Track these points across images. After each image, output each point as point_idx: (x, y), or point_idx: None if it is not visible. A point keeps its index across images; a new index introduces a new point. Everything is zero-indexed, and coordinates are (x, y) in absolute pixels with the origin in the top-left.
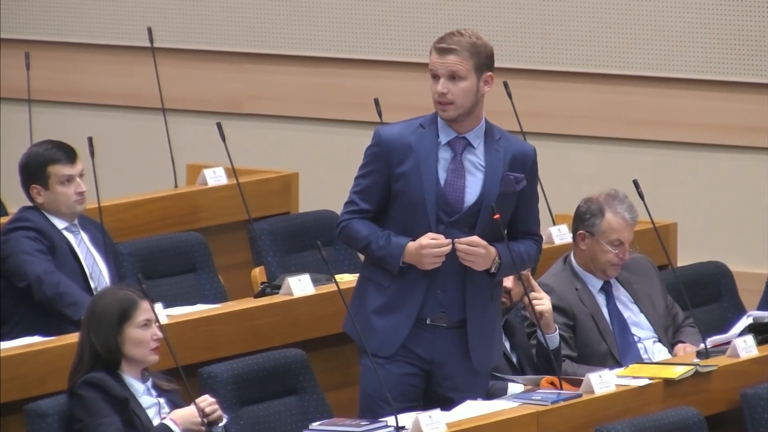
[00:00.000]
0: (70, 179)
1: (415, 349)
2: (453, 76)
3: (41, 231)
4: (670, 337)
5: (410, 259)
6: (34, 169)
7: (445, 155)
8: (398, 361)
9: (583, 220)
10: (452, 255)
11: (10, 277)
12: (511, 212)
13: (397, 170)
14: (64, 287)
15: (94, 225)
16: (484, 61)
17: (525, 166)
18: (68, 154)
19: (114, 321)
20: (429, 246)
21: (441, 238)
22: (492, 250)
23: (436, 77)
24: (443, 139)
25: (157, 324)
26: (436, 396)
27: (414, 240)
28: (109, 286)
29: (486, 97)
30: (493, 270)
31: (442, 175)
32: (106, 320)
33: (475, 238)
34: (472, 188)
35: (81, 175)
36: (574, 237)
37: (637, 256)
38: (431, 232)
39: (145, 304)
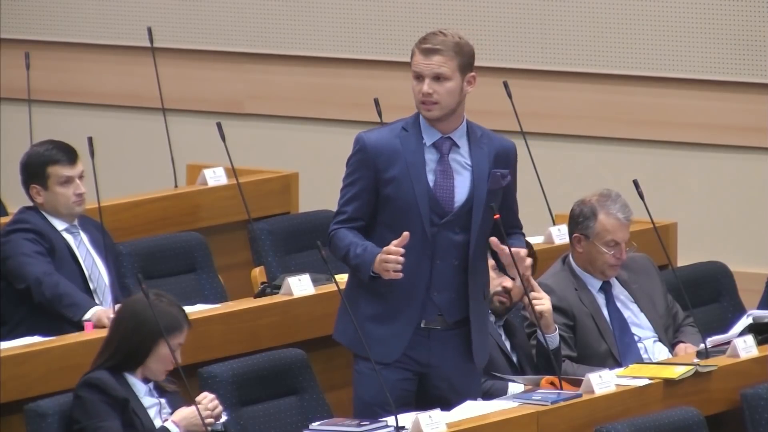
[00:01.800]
0: (69, 180)
1: (410, 353)
2: (438, 77)
3: (40, 233)
4: (670, 337)
5: (377, 269)
6: (34, 169)
7: (431, 156)
8: (394, 366)
9: (577, 223)
10: (447, 256)
11: (10, 278)
12: (498, 209)
13: (385, 175)
14: (63, 288)
15: (94, 225)
16: (467, 60)
17: (508, 161)
18: (69, 155)
19: (158, 332)
20: (389, 252)
21: (392, 248)
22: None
23: (420, 78)
24: (428, 140)
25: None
26: (432, 399)
27: (409, 251)
28: (157, 295)
29: (486, 97)
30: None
31: (430, 177)
32: (149, 328)
33: (523, 252)
34: (461, 188)
35: (81, 177)
36: (570, 240)
37: (637, 256)
38: (426, 234)
39: (186, 330)
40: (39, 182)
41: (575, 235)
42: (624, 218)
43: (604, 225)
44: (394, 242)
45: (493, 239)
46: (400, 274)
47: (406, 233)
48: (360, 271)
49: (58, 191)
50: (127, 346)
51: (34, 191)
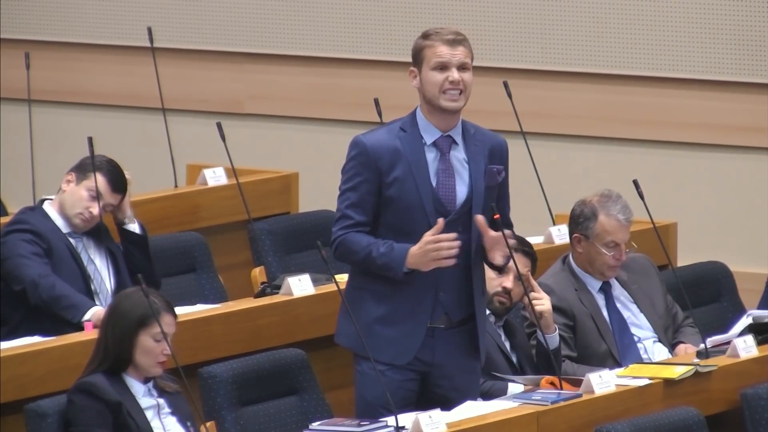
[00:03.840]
0: (93, 197)
1: (416, 353)
2: (463, 67)
3: (38, 233)
4: (670, 337)
5: (413, 262)
6: (83, 166)
7: (431, 155)
8: (399, 367)
9: (578, 223)
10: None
11: (7, 280)
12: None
13: (388, 177)
14: (60, 290)
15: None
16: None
17: (502, 157)
18: (120, 183)
19: (133, 323)
20: (434, 241)
21: (442, 236)
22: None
23: (444, 68)
24: (428, 139)
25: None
26: (434, 397)
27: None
28: (140, 288)
29: (486, 97)
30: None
31: (433, 177)
32: (126, 321)
33: (494, 234)
34: (461, 186)
35: (107, 207)
36: (570, 240)
37: (637, 256)
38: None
39: (167, 318)
40: (78, 175)
41: (575, 235)
42: (624, 219)
43: (604, 226)
44: (430, 231)
45: (479, 217)
46: (454, 261)
47: (441, 219)
48: (390, 269)
49: (78, 193)
50: (113, 345)
51: (68, 177)
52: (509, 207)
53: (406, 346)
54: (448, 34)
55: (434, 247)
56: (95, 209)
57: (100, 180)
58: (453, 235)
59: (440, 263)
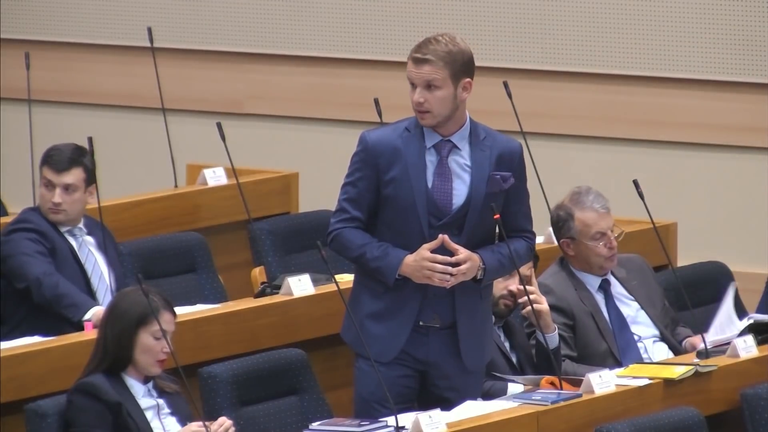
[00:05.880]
0: (50, 185)
1: (409, 351)
2: (429, 86)
3: (42, 233)
4: (670, 334)
5: (407, 271)
6: (40, 163)
7: (432, 158)
8: (393, 363)
9: (559, 228)
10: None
11: (10, 278)
12: (501, 210)
13: (386, 176)
14: (63, 289)
15: (98, 226)
16: (460, 68)
17: (512, 163)
18: (59, 163)
19: (132, 322)
20: (429, 260)
21: (439, 257)
22: (476, 257)
23: (413, 85)
24: (429, 142)
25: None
26: (433, 397)
27: (411, 252)
28: (139, 287)
29: (486, 97)
30: (479, 277)
31: (429, 179)
32: (125, 319)
33: (461, 256)
34: (460, 190)
35: (67, 188)
36: (560, 246)
37: (631, 256)
38: (424, 236)
39: (166, 316)
40: (41, 176)
41: (562, 240)
42: (600, 207)
43: (583, 221)
44: (427, 246)
45: (444, 236)
46: (448, 283)
47: (441, 236)
48: (382, 275)
49: (41, 192)
50: (112, 344)
51: (39, 182)
52: (528, 213)
53: (389, 343)
54: (419, 50)
55: (429, 266)
56: (56, 197)
57: (45, 169)
58: (450, 259)
59: (431, 282)
